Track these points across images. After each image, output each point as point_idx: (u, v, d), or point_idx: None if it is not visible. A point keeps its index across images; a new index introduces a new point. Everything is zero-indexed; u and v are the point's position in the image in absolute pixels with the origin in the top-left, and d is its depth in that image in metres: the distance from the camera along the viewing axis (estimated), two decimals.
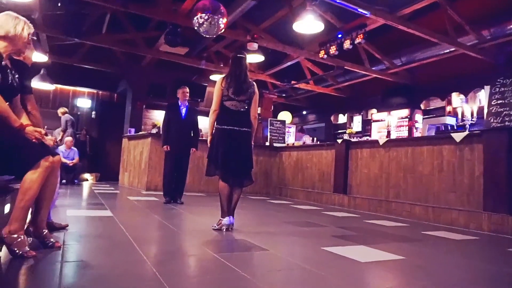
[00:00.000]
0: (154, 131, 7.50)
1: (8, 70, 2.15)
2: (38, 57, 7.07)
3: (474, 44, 6.60)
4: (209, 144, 3.29)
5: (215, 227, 3.19)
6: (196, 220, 3.94)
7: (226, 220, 3.15)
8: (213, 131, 3.27)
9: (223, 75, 3.34)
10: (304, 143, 8.66)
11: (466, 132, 4.49)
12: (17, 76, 2.24)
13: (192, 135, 5.34)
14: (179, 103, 5.34)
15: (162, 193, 5.40)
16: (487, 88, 5.59)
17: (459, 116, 5.92)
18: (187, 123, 5.30)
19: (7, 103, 2.10)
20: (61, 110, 8.85)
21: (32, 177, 1.98)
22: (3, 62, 2.11)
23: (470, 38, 6.55)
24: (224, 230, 3.13)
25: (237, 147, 3.20)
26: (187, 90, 5.42)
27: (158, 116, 10.98)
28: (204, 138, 6.64)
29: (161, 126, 5.80)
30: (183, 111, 5.31)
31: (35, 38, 2.22)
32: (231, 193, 3.23)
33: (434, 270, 2.26)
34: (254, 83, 3.36)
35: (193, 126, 5.38)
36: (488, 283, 2.13)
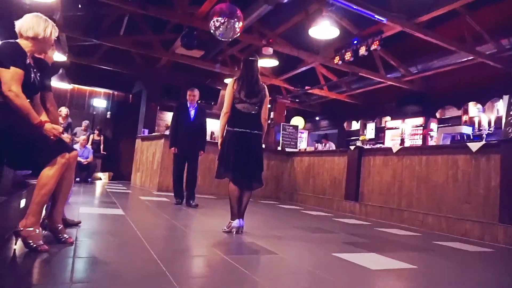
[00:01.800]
0: (167, 132, 7.57)
1: (31, 69, 2.21)
2: (58, 57, 7.24)
3: (493, 53, 6.50)
4: (219, 147, 3.29)
5: (225, 229, 3.18)
6: (206, 222, 3.95)
7: (236, 223, 3.14)
8: (224, 133, 3.26)
9: (235, 78, 3.32)
10: (316, 148, 8.62)
11: (483, 142, 4.40)
12: (38, 74, 2.30)
13: (200, 137, 5.23)
14: (188, 104, 5.23)
15: (173, 194, 5.42)
16: (505, 97, 5.49)
17: (476, 125, 5.80)
18: (196, 125, 5.19)
19: (28, 100, 2.16)
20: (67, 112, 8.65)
21: (48, 173, 2.03)
22: (27, 61, 2.17)
23: (488, 47, 6.45)
24: (234, 233, 3.12)
25: (248, 150, 3.19)
26: (195, 93, 5.26)
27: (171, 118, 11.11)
28: (216, 140, 6.65)
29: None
30: (192, 112, 5.19)
31: (55, 38, 2.30)
32: (241, 195, 3.22)
33: (446, 280, 2.21)
34: (265, 86, 3.36)
35: (201, 128, 5.27)
36: None
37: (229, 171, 3.17)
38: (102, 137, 10.09)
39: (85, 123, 9.41)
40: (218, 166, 3.30)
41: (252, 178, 3.26)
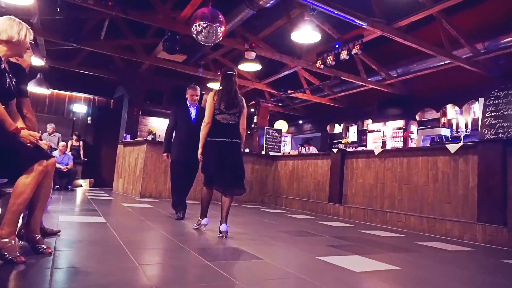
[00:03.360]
0: (149, 137, 7.46)
1: (6, 74, 2.13)
2: (35, 61, 7.06)
3: (469, 57, 6.70)
4: (200, 156, 3.45)
5: (195, 226, 3.57)
6: (190, 228, 3.91)
7: (204, 221, 3.51)
8: (205, 143, 3.40)
9: (214, 90, 3.48)
10: (299, 152, 8.66)
11: (461, 143, 4.52)
12: (14, 79, 2.22)
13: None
14: (188, 104, 4.57)
15: (156, 200, 5.32)
16: (481, 100, 5.66)
17: (454, 127, 5.97)
18: (197, 128, 4.39)
19: (3, 106, 2.09)
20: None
21: (25, 181, 1.96)
22: (1, 66, 2.10)
23: (465, 51, 6.65)
24: (204, 229, 3.51)
25: (228, 158, 3.34)
26: (197, 92, 4.66)
27: (154, 123, 10.96)
28: None
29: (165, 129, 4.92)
30: (193, 113, 4.59)
31: (32, 42, 2.27)
32: (211, 197, 3.55)
33: (429, 280, 2.25)
34: (243, 98, 3.55)
35: None
36: None
37: (210, 179, 3.42)
38: (81, 143, 9.76)
39: (50, 126, 8.86)
40: (204, 175, 3.47)
41: (234, 185, 3.39)
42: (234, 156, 3.38)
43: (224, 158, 3.31)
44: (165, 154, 4.63)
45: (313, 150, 9.36)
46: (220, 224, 3.26)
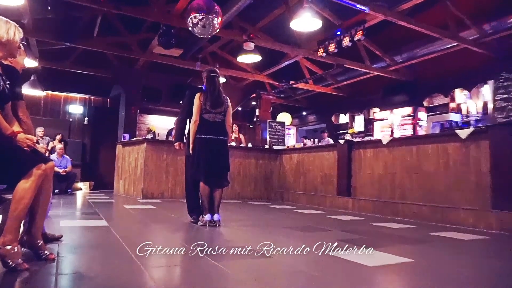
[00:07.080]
0: (149, 136, 7.31)
1: None
2: (28, 62, 6.89)
3: (476, 38, 6.51)
4: (190, 151, 3.72)
5: (200, 224, 3.66)
6: (194, 227, 3.79)
7: (207, 217, 3.62)
8: (194, 140, 3.70)
9: (200, 92, 3.78)
10: (304, 144, 8.51)
11: (472, 129, 4.38)
12: (8, 82, 2.17)
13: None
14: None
15: (159, 201, 5.18)
16: (490, 83, 5.50)
17: (464, 112, 5.81)
18: None
19: None
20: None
21: (24, 186, 1.94)
22: None
23: (471, 33, 6.46)
24: (208, 226, 3.56)
25: (216, 153, 3.69)
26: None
27: (153, 121, 10.81)
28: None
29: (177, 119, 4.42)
30: None
31: (24, 43, 2.25)
32: (213, 193, 3.70)
33: (443, 271, 2.16)
34: (227, 98, 3.86)
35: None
36: (500, 282, 2.04)
37: (201, 173, 3.64)
38: (63, 144, 9.34)
39: (40, 129, 8.51)
40: (195, 170, 3.70)
41: (221, 178, 3.77)
42: (222, 152, 3.75)
43: (212, 154, 3.66)
44: (176, 144, 4.10)
45: (329, 141, 9.06)
46: (212, 215, 3.62)
